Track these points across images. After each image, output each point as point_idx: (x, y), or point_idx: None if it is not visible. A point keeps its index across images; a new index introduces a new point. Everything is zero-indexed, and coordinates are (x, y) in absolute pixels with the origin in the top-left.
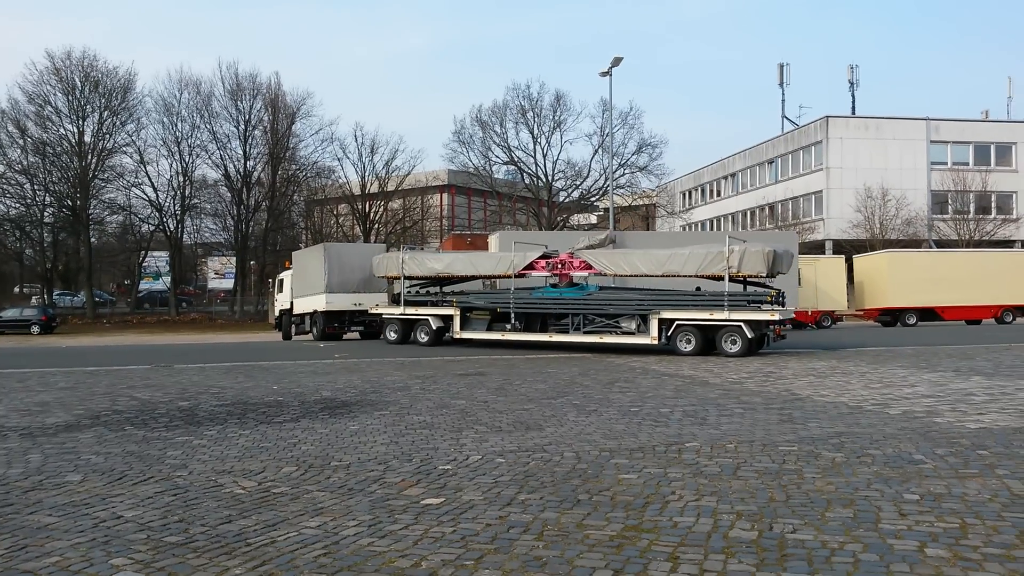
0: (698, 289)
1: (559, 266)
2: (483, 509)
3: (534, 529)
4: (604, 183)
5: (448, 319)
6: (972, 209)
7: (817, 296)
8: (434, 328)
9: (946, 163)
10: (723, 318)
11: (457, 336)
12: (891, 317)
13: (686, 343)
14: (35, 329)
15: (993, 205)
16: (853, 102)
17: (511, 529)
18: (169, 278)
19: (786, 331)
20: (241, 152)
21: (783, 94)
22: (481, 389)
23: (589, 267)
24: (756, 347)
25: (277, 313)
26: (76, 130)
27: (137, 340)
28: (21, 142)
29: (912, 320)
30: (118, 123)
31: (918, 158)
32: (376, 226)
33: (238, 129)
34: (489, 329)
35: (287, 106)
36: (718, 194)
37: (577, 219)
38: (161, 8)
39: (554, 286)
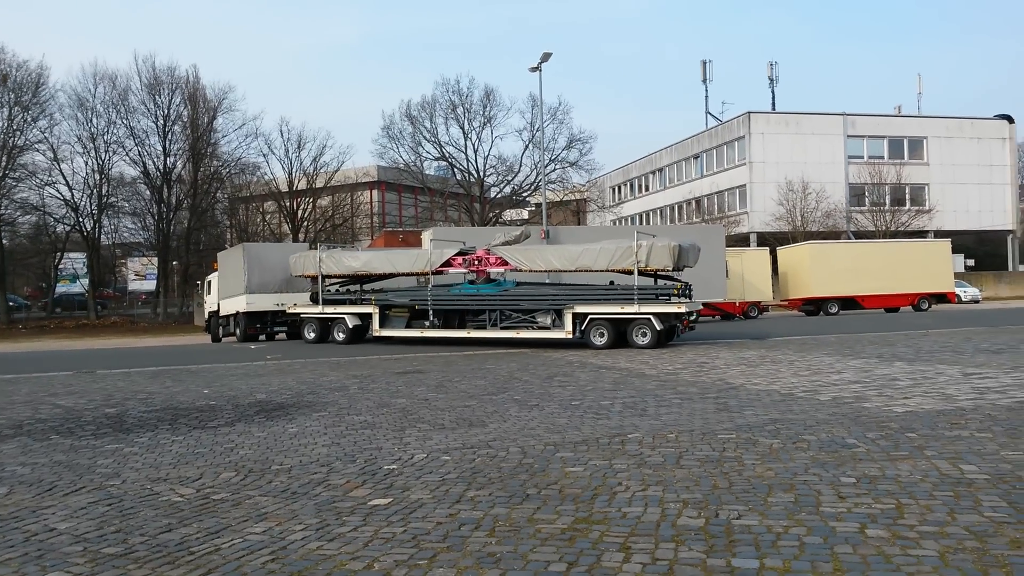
0: (611, 283)
1: (476, 262)
2: (432, 508)
3: (485, 525)
4: (535, 178)
5: (367, 317)
6: (888, 201)
7: (744, 287)
8: (350, 326)
9: (862, 157)
10: (633, 311)
11: (376, 334)
12: (814, 307)
13: (599, 336)
14: None
15: (907, 197)
16: (773, 98)
17: (462, 527)
18: (87, 280)
19: (694, 323)
20: (160, 148)
21: (707, 90)
22: (420, 387)
23: (505, 263)
24: (666, 339)
25: (207, 315)
26: None
27: (56, 346)
28: None
29: (834, 309)
30: (29, 119)
31: (836, 152)
32: (305, 224)
33: (157, 124)
34: (408, 326)
35: (207, 100)
36: (646, 189)
37: (509, 215)
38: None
39: (472, 283)
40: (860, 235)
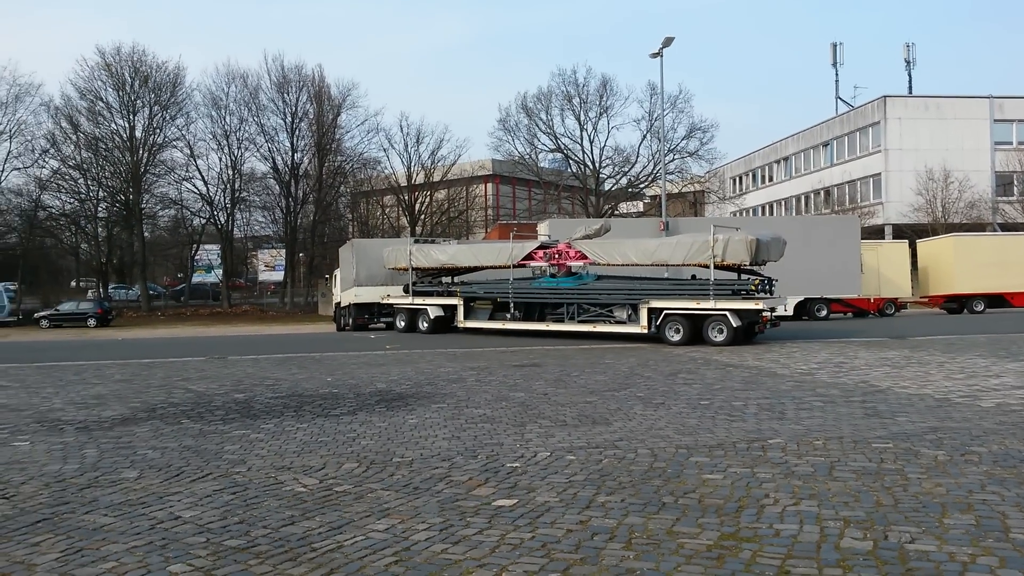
0: (693, 277)
1: (556, 256)
2: (561, 512)
3: (620, 536)
4: (653, 169)
5: (452, 308)
6: None
7: (880, 283)
8: (432, 317)
9: (1011, 143)
10: (709, 307)
11: (461, 325)
12: (957, 304)
13: (675, 332)
14: (91, 322)
15: None
16: (910, 81)
17: (595, 536)
18: (221, 271)
19: (774, 320)
20: (288, 144)
21: (836, 75)
22: (539, 381)
23: (584, 257)
24: (744, 337)
25: (334, 306)
26: (127, 125)
27: (191, 332)
28: (74, 138)
29: (980, 307)
30: (168, 118)
31: (981, 138)
32: (423, 217)
33: (285, 121)
34: (491, 318)
35: (331, 98)
36: (770, 179)
37: (625, 207)
38: (206, 4)
39: (552, 276)
40: (1008, 227)
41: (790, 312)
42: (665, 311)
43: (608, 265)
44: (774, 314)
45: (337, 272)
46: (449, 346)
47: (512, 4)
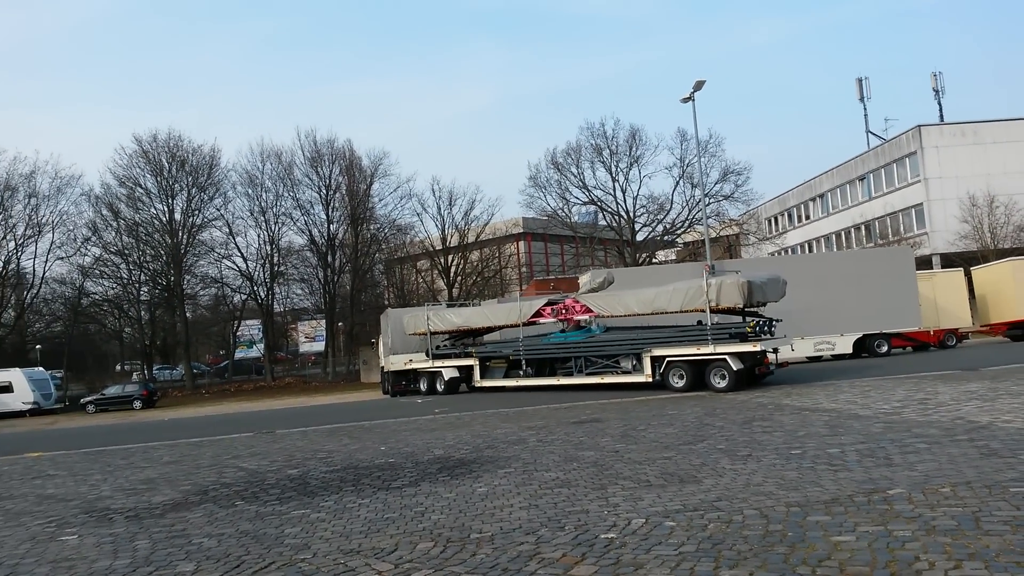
0: (699, 323)
1: (564, 311)
2: None
3: None
4: (688, 215)
5: (469, 369)
6: None
7: (938, 314)
8: (447, 378)
9: None
10: (708, 352)
11: (478, 384)
12: (1022, 330)
13: (678, 379)
14: (137, 404)
15: None
16: (940, 110)
17: None
18: (263, 345)
19: (773, 366)
20: (324, 216)
21: (865, 109)
22: (604, 437)
23: (589, 311)
24: (747, 381)
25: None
26: (166, 209)
27: (236, 408)
28: (115, 224)
29: None
30: (206, 199)
31: (1023, 160)
32: (459, 278)
33: (320, 194)
34: (506, 376)
35: (362, 170)
36: (807, 217)
37: (662, 255)
38: (241, 92)
39: (562, 331)
40: None
41: (849, 350)
42: (667, 358)
43: (613, 317)
44: (778, 356)
45: (382, 337)
46: (499, 406)
47: (534, 67)
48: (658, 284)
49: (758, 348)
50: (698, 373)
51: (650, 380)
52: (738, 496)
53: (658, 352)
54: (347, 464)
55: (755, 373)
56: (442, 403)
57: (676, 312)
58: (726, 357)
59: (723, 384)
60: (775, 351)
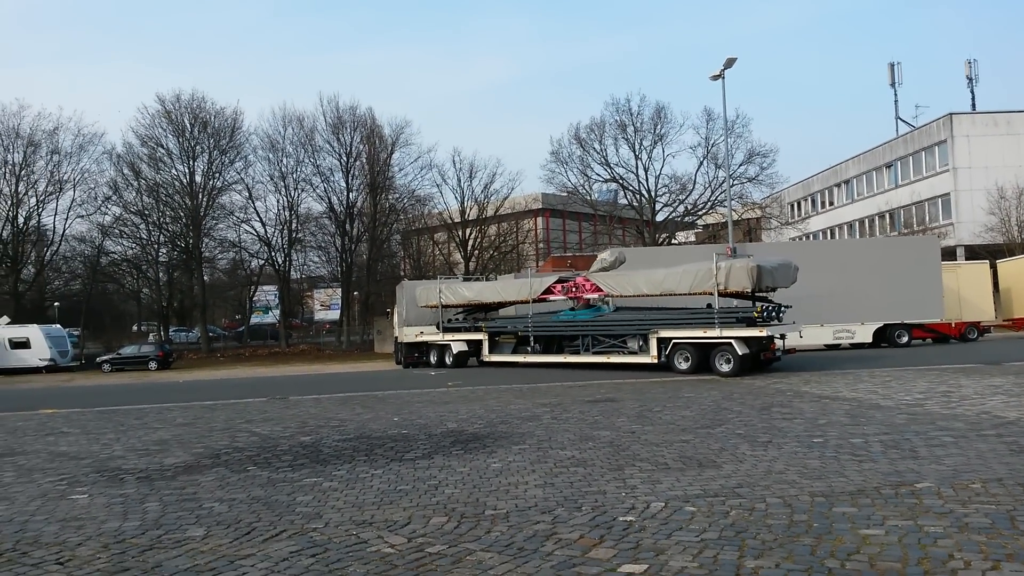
0: (708, 306)
1: (574, 289)
2: None
3: None
4: (711, 196)
5: (478, 344)
6: None
7: (961, 306)
8: (455, 352)
9: None
10: (714, 335)
11: (486, 359)
12: None
13: (683, 361)
14: (152, 365)
15: None
16: (973, 99)
17: None
18: (279, 311)
19: (780, 352)
20: (344, 184)
21: (895, 95)
22: (620, 417)
23: (599, 289)
24: (751, 366)
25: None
26: (187, 170)
27: (251, 373)
28: (136, 184)
29: None
30: (227, 162)
31: None
32: (476, 252)
33: (340, 161)
34: (514, 351)
35: (383, 138)
36: (831, 203)
37: (682, 236)
38: (264, 56)
39: (572, 309)
40: None
41: (868, 339)
42: (673, 340)
43: (623, 296)
44: (785, 341)
45: (396, 308)
46: (513, 381)
47: (564, 39)
48: (669, 265)
49: (764, 333)
50: (703, 356)
51: (655, 361)
52: (760, 483)
53: (664, 333)
54: (360, 433)
55: (760, 359)
56: (455, 376)
57: (685, 294)
58: (732, 341)
59: (727, 368)
60: (782, 337)
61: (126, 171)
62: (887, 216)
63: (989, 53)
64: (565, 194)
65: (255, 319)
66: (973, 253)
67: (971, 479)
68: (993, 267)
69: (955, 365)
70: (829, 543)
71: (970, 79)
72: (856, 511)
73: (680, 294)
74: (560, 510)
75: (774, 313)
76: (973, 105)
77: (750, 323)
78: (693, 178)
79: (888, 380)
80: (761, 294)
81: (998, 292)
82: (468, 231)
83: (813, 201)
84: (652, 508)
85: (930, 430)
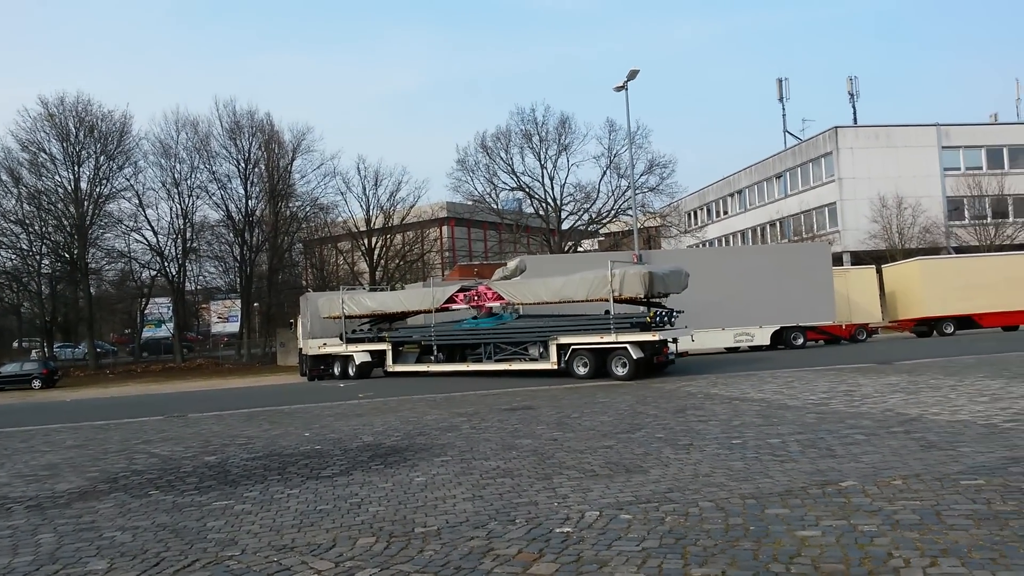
0: (606, 313)
1: (476, 298)
2: None
3: None
4: (614, 205)
5: (381, 354)
6: (990, 214)
7: (850, 309)
8: (358, 362)
9: (959, 168)
10: (611, 340)
11: (390, 369)
12: (927, 327)
13: (581, 366)
14: (36, 383)
15: (1010, 208)
16: (855, 114)
17: None
18: (172, 324)
19: (673, 355)
20: (242, 191)
21: (783, 109)
22: (540, 425)
23: (501, 298)
24: (646, 370)
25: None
26: (72, 177)
27: (144, 390)
28: (15, 191)
29: (950, 329)
30: (115, 167)
31: (931, 164)
32: (382, 261)
33: (238, 168)
34: (418, 361)
35: (282, 145)
36: (725, 212)
37: (588, 244)
38: (156, 60)
39: (474, 318)
40: (961, 250)
41: (767, 342)
42: (572, 346)
43: (524, 304)
44: (677, 346)
45: (300, 320)
46: (425, 391)
47: (466, 53)
48: (569, 273)
49: (657, 338)
50: (600, 361)
51: (556, 367)
52: (689, 487)
53: (563, 340)
54: (270, 451)
55: (654, 362)
56: (366, 388)
57: (582, 301)
58: (627, 346)
59: (623, 372)
60: (674, 341)
61: (4, 177)
62: (778, 224)
63: (868, 70)
64: (472, 202)
65: (147, 333)
66: (858, 259)
67: (892, 476)
68: (879, 271)
69: (850, 365)
70: (769, 547)
71: (852, 95)
72: (789, 512)
73: (578, 301)
74: (493, 524)
75: (667, 318)
76: (855, 119)
77: (644, 328)
78: (597, 187)
79: (791, 380)
80: (655, 300)
81: (884, 295)
82: (374, 240)
83: (708, 210)
84: (587, 518)
85: (841, 428)
